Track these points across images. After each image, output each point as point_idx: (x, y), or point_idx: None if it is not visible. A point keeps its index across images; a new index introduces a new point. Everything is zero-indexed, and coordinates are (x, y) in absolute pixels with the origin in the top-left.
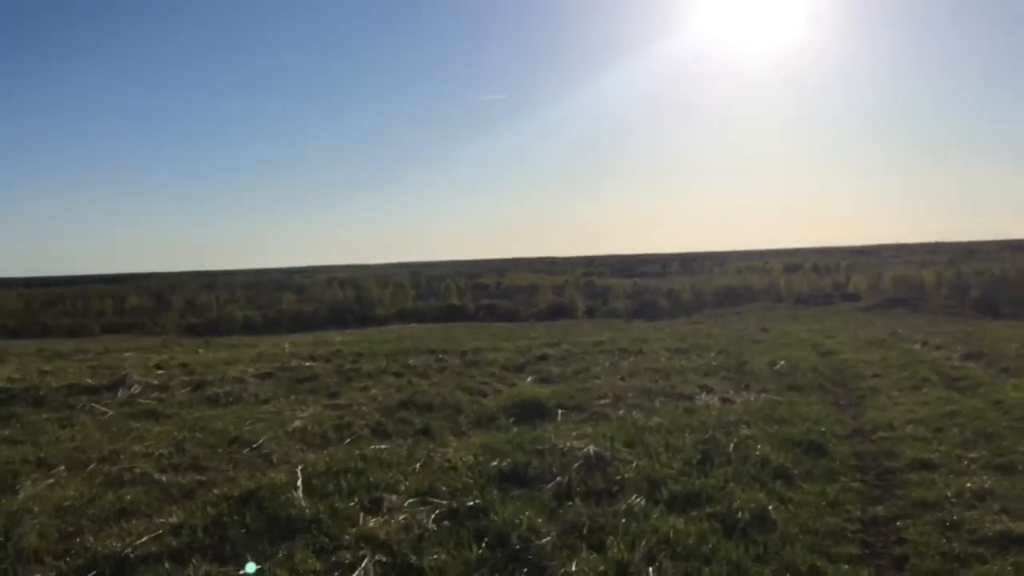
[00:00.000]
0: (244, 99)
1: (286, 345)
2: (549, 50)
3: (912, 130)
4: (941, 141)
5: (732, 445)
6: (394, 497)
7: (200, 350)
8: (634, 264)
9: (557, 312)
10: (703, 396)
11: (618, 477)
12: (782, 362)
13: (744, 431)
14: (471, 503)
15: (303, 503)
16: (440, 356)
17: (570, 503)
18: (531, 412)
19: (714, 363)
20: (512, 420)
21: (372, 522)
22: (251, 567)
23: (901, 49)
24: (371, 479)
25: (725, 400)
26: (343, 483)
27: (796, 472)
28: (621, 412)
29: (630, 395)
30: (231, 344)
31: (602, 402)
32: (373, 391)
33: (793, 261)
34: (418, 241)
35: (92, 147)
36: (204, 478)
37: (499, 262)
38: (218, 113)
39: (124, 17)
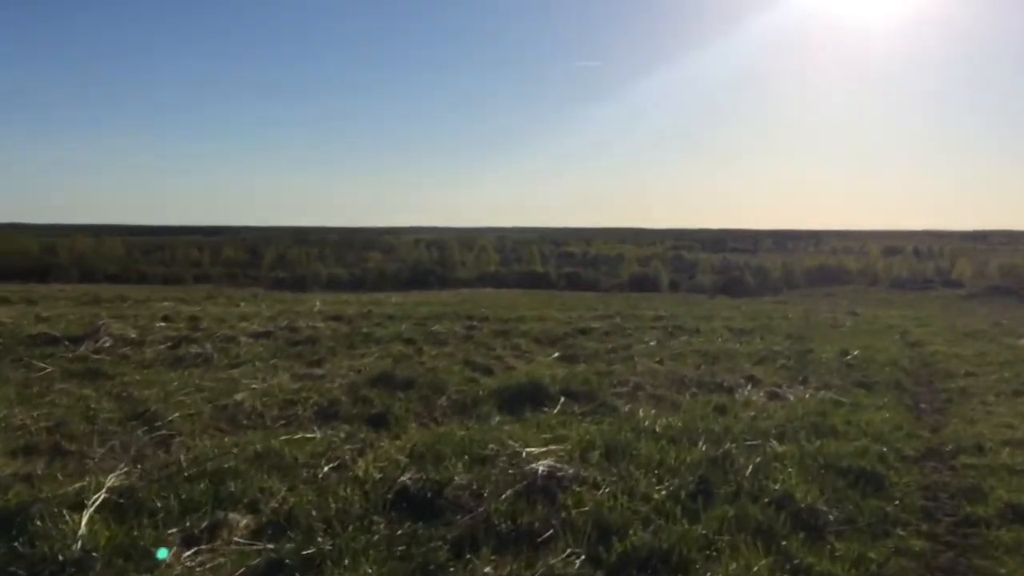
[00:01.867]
0: (350, 58)
1: (317, 302)
2: (647, 20)
3: None
4: None
5: (750, 468)
6: (244, 522)
7: (242, 303)
8: (726, 239)
9: (640, 284)
10: (746, 390)
11: (562, 514)
12: (856, 352)
13: (775, 447)
14: (310, 551)
15: (82, 532)
16: (475, 323)
17: (470, 556)
18: (527, 397)
19: (776, 348)
20: (500, 407)
21: (178, 568)
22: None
23: None
24: (235, 489)
25: (773, 396)
26: (183, 495)
27: (831, 518)
28: (630, 407)
29: (657, 383)
30: (282, 299)
31: (619, 390)
32: (366, 359)
33: (894, 244)
34: (511, 207)
35: (207, 102)
36: (41, 471)
37: (587, 231)
38: (324, 72)
39: None
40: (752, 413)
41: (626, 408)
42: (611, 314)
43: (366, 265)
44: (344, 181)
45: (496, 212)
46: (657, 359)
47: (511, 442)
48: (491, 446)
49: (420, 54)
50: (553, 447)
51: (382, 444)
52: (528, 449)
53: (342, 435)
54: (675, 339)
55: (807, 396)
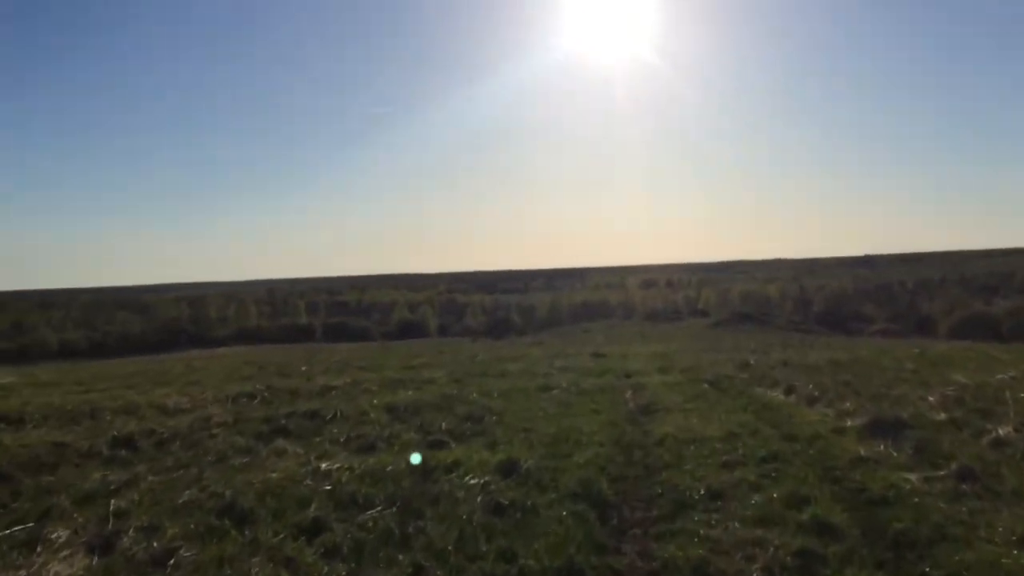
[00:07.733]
0: (114, 96)
1: None
2: (423, 64)
3: (755, 153)
4: (784, 164)
5: None
6: None
7: None
8: (499, 280)
9: (409, 331)
10: None
11: None
12: (531, 461)
13: None
14: None
15: None
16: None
17: None
18: None
19: (395, 469)
20: None
21: None
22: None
23: (769, 68)
24: None
25: None
26: None
27: None
28: None
29: None
30: None
31: None
32: None
33: (650, 277)
34: (284, 257)
35: None
36: None
37: (362, 278)
38: (81, 111)
39: None
40: None
41: None
42: (254, 392)
43: (108, 328)
44: (92, 234)
45: (273, 263)
46: (116, 529)
47: None
48: None
49: (192, 93)
50: None
51: None
52: None
53: None
54: (265, 447)
55: None
